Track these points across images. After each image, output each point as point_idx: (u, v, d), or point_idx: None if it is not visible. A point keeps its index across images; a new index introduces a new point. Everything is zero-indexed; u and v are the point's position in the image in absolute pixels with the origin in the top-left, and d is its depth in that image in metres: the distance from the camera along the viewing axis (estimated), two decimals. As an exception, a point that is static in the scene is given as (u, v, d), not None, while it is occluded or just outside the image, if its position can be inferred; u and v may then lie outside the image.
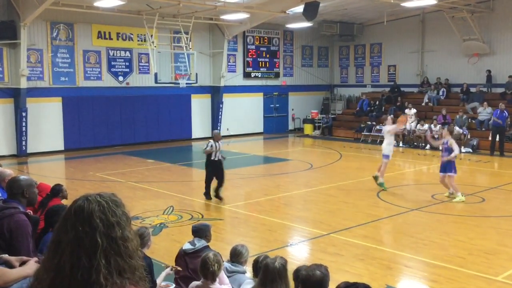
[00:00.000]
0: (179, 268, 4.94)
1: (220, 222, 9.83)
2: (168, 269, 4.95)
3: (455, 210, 10.47)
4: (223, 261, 4.34)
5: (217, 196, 11.27)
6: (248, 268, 4.86)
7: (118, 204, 1.78)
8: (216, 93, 23.51)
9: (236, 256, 4.62)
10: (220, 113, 23.56)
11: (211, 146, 11.10)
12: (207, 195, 11.38)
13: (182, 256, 5.17)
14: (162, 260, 6.51)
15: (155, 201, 11.41)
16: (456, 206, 10.76)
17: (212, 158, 11.16)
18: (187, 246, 5.29)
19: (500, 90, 21.46)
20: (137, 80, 21.36)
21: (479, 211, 10.40)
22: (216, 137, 11.35)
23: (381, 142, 21.38)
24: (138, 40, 21.06)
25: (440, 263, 7.36)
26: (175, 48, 21.10)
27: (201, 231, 5.40)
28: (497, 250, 7.96)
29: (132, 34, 20.95)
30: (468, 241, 8.33)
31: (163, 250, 7.62)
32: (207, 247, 5.23)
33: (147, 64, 21.29)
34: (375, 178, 12.31)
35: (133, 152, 19.24)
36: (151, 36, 18.79)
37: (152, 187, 12.97)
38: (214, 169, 11.23)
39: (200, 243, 5.22)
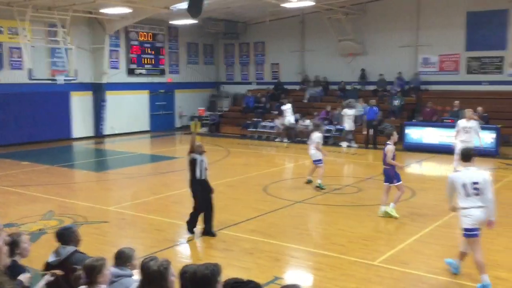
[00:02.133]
0: (59, 273, 4.54)
1: (105, 224, 9.43)
2: (47, 276, 4.57)
3: (335, 200, 11.10)
4: (105, 266, 4.10)
5: (210, 232, 8.55)
6: (137, 271, 4.68)
7: None
8: (98, 90, 22.53)
9: (122, 259, 4.41)
10: (103, 111, 22.61)
11: (200, 161, 8.54)
12: (192, 229, 8.57)
13: (49, 270, 4.69)
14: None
15: (32, 206, 10.63)
16: (336, 197, 11.40)
17: (198, 177, 8.53)
18: (51, 258, 4.75)
19: (373, 87, 23.20)
20: (8, 76, 19.72)
21: (357, 200, 11.13)
22: (197, 149, 8.60)
23: (267, 138, 22.17)
24: (9, 33, 19.45)
25: (323, 252, 7.76)
26: (51, 43, 19.81)
27: (63, 236, 4.87)
28: (373, 236, 8.59)
29: (2, 27, 19.30)
30: (348, 229, 8.88)
31: (43, 258, 7.09)
32: (75, 252, 4.79)
33: (20, 59, 19.75)
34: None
35: (5, 154, 17.74)
36: (24, 29, 17.44)
37: (29, 191, 12.08)
38: (203, 192, 8.59)
39: (65, 251, 4.74)
